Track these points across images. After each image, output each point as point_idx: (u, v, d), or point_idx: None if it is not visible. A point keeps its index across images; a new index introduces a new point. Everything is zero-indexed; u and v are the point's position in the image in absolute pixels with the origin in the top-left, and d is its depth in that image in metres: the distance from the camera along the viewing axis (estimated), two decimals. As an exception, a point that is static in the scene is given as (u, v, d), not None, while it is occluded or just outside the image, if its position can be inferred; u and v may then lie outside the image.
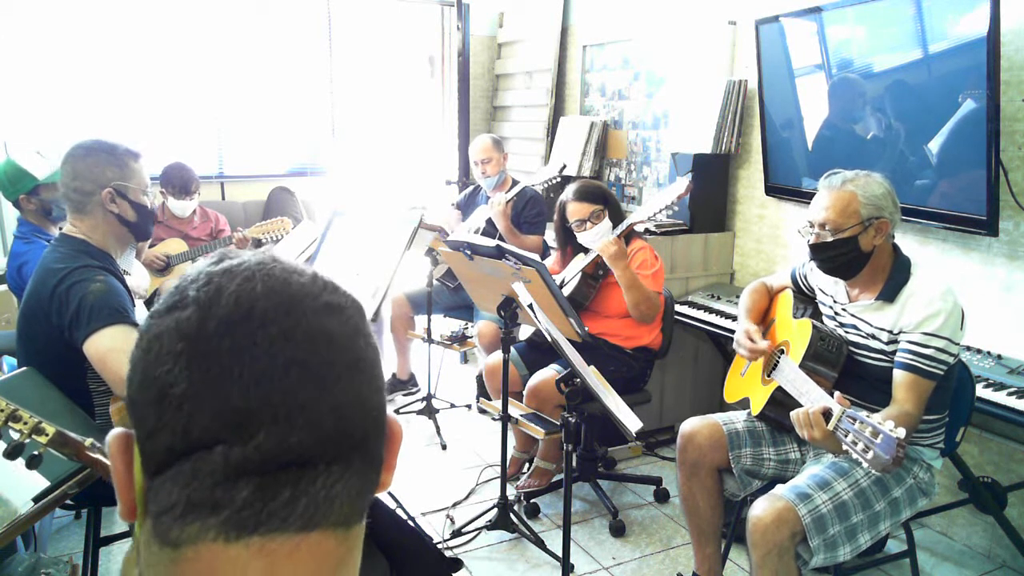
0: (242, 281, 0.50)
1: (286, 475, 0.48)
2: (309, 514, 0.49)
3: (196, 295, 0.50)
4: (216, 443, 0.47)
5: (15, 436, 1.33)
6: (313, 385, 0.50)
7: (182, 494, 0.48)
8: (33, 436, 1.34)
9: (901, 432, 1.53)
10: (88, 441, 1.39)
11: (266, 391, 0.48)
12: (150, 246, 3.48)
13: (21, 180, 2.79)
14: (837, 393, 1.75)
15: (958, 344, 1.92)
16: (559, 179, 3.70)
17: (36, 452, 1.34)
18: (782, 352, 2.15)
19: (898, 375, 1.92)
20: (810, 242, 2.02)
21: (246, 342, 0.48)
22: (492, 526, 2.73)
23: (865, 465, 1.57)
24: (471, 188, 4.18)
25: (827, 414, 1.72)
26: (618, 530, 2.85)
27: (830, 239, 1.97)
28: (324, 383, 0.50)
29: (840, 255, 1.98)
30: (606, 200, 3.00)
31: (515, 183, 3.72)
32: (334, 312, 0.52)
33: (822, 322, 2.17)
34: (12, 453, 1.32)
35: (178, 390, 0.48)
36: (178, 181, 3.63)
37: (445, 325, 4.09)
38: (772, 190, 3.42)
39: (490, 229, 3.73)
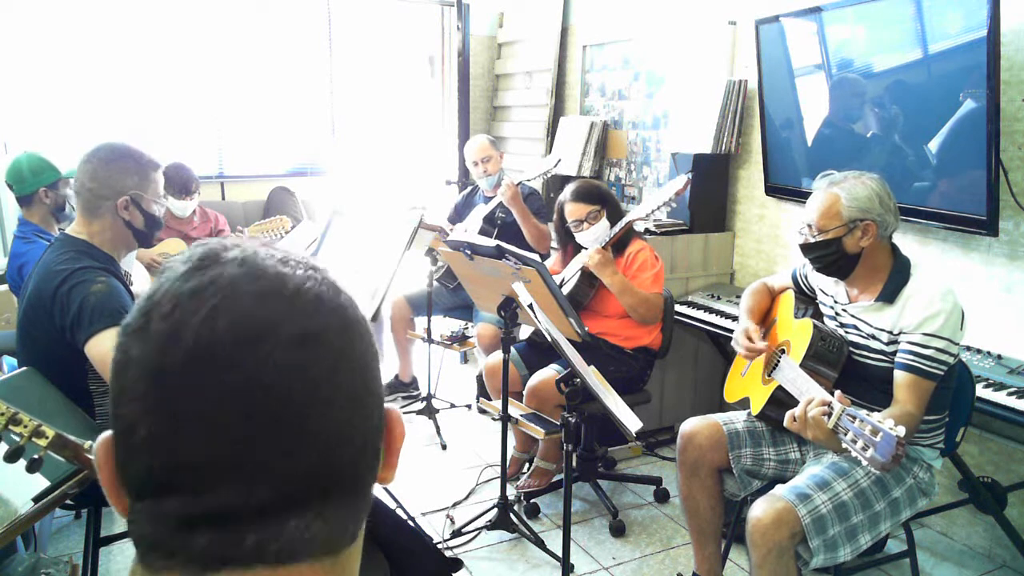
0: (206, 315, 0.46)
1: (250, 525, 0.46)
2: (285, 553, 0.46)
3: (159, 328, 0.46)
4: (172, 493, 0.45)
5: (15, 439, 1.33)
6: (279, 436, 0.46)
7: (146, 531, 0.47)
8: (33, 439, 1.35)
9: (901, 431, 1.53)
10: (87, 444, 1.39)
11: (226, 444, 0.45)
12: (151, 246, 3.48)
13: (44, 172, 2.79)
14: (838, 392, 1.75)
15: (958, 344, 1.92)
16: (553, 171, 3.70)
17: (36, 455, 1.35)
18: (783, 352, 2.16)
19: (899, 376, 1.92)
20: (800, 242, 2.07)
21: (205, 391, 0.45)
22: (492, 526, 2.73)
23: (865, 463, 1.57)
24: (468, 190, 4.18)
25: (828, 405, 1.72)
26: (618, 530, 2.85)
27: (812, 240, 2.01)
28: (292, 431, 0.46)
29: (824, 256, 2.02)
30: (604, 200, 3.00)
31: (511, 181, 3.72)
32: (308, 344, 0.47)
33: (823, 322, 2.17)
34: (12, 456, 1.32)
35: (139, 436, 0.46)
36: (178, 181, 3.63)
37: (445, 325, 4.09)
38: (772, 190, 3.42)
39: (488, 229, 3.73)
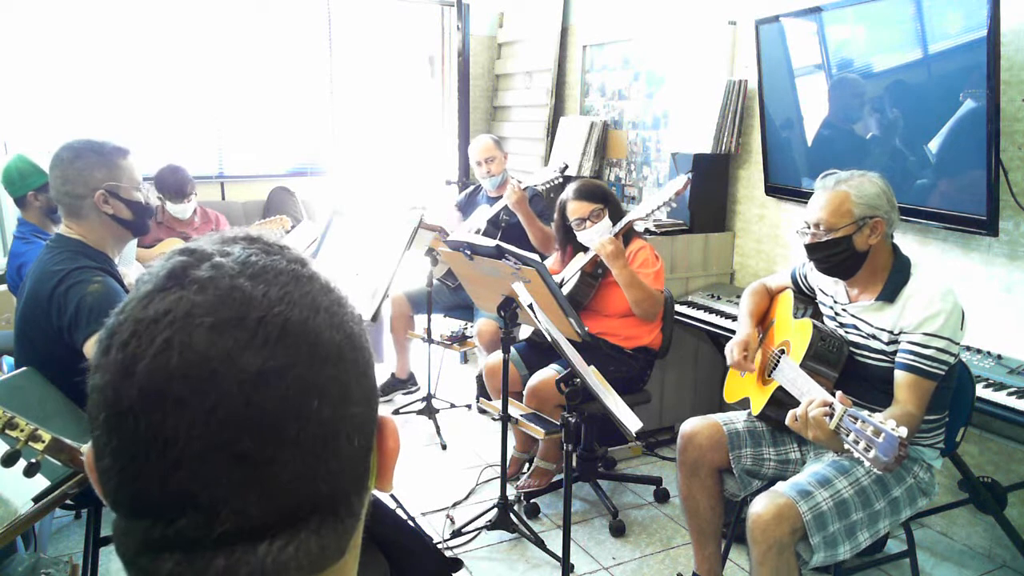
0: (159, 349, 0.43)
1: (218, 551, 0.44)
2: (257, 574, 0.45)
3: (114, 358, 0.45)
4: (138, 518, 0.45)
5: (12, 444, 1.33)
6: (240, 472, 0.44)
7: (121, 546, 0.47)
8: (30, 443, 1.34)
9: (903, 431, 1.53)
10: (84, 447, 1.39)
11: (183, 479, 0.43)
12: (149, 247, 3.48)
13: (32, 176, 2.79)
14: (839, 393, 1.75)
15: (959, 344, 1.92)
16: (560, 179, 3.70)
17: (34, 460, 1.34)
18: (782, 352, 2.16)
19: (899, 376, 1.92)
20: (805, 242, 2.04)
21: (159, 428, 0.43)
22: (492, 526, 2.73)
23: (867, 464, 1.57)
24: (471, 188, 4.17)
25: (829, 406, 1.72)
26: (618, 530, 2.84)
27: (824, 239, 1.99)
28: (253, 467, 0.44)
29: (834, 254, 1.99)
30: (606, 199, 3.00)
31: (518, 183, 3.71)
32: (268, 382, 0.44)
33: (822, 322, 2.17)
34: (9, 460, 1.32)
35: (104, 464, 0.45)
36: (172, 185, 3.61)
37: (445, 325, 4.09)
38: (772, 190, 3.42)
39: (491, 229, 3.73)
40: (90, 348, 1.78)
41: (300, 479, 0.45)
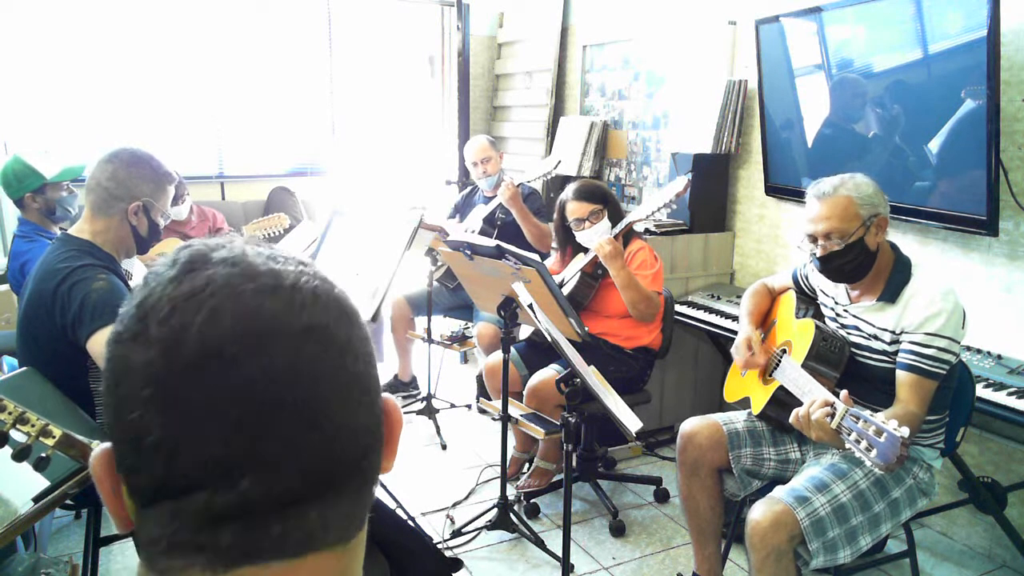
0: (208, 315, 0.45)
1: (275, 514, 0.46)
2: (303, 543, 0.47)
3: (159, 333, 0.45)
4: (196, 489, 0.45)
5: (23, 439, 1.33)
6: (296, 425, 0.46)
7: (164, 533, 0.46)
8: (40, 438, 1.35)
9: (905, 431, 1.53)
10: (94, 443, 1.40)
11: (246, 438, 0.45)
12: (144, 254, 3.47)
13: (28, 178, 2.79)
14: (843, 392, 1.75)
15: (960, 343, 1.92)
16: (553, 173, 3.70)
17: (44, 454, 1.35)
18: (784, 352, 2.16)
19: (901, 376, 1.92)
20: (818, 255, 1.99)
21: (218, 389, 0.44)
22: (492, 526, 2.73)
23: (869, 464, 1.57)
24: (468, 189, 4.18)
25: (831, 406, 1.72)
26: (618, 530, 2.84)
27: (840, 247, 1.95)
28: (308, 420, 0.46)
29: (852, 260, 1.97)
30: (605, 199, 3.00)
31: (511, 180, 3.72)
32: (314, 335, 0.48)
33: (824, 323, 2.17)
34: (20, 455, 1.32)
35: (151, 439, 0.45)
36: None
37: (445, 325, 4.09)
38: (772, 190, 3.42)
39: (488, 229, 3.73)
40: (94, 345, 1.79)
41: (342, 433, 0.48)
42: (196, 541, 0.46)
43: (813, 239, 2.00)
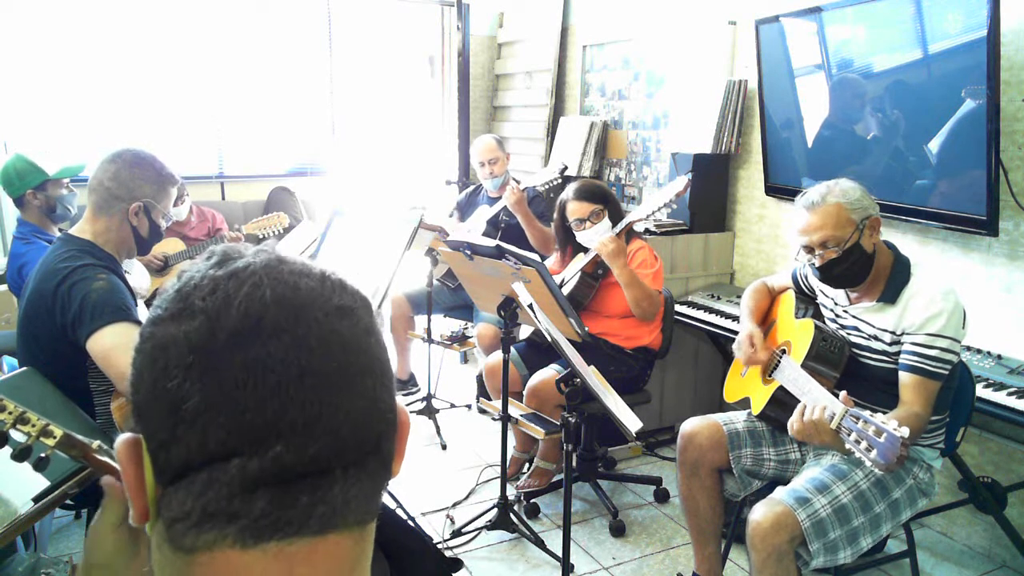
0: (250, 289, 0.49)
1: (304, 483, 0.48)
2: (327, 518, 0.49)
3: (203, 305, 0.49)
4: (233, 456, 0.47)
5: (23, 439, 1.33)
6: (329, 393, 0.49)
7: (196, 504, 0.48)
8: (41, 438, 1.34)
9: (905, 431, 1.53)
10: (95, 443, 1.39)
11: (282, 403, 0.47)
12: (144, 255, 3.48)
13: (30, 175, 2.79)
14: (843, 393, 1.75)
15: (961, 343, 1.92)
16: (560, 180, 3.69)
17: (44, 454, 1.35)
18: (783, 352, 2.16)
19: (904, 377, 1.92)
20: (817, 265, 2.00)
21: (259, 354, 0.48)
22: (492, 526, 2.73)
23: (869, 464, 1.57)
24: (471, 189, 4.17)
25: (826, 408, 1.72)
26: (618, 530, 2.84)
27: (838, 254, 1.96)
28: (340, 390, 0.50)
29: (851, 265, 1.97)
30: (606, 200, 3.00)
31: (517, 183, 3.71)
32: (345, 315, 0.52)
33: (824, 323, 2.17)
34: (20, 456, 1.32)
35: (191, 405, 0.47)
36: None
37: (445, 325, 4.09)
38: (772, 190, 3.42)
39: (490, 230, 3.73)
40: (94, 345, 1.80)
41: (368, 411, 0.51)
42: (230, 509, 0.47)
43: (809, 249, 2.01)
